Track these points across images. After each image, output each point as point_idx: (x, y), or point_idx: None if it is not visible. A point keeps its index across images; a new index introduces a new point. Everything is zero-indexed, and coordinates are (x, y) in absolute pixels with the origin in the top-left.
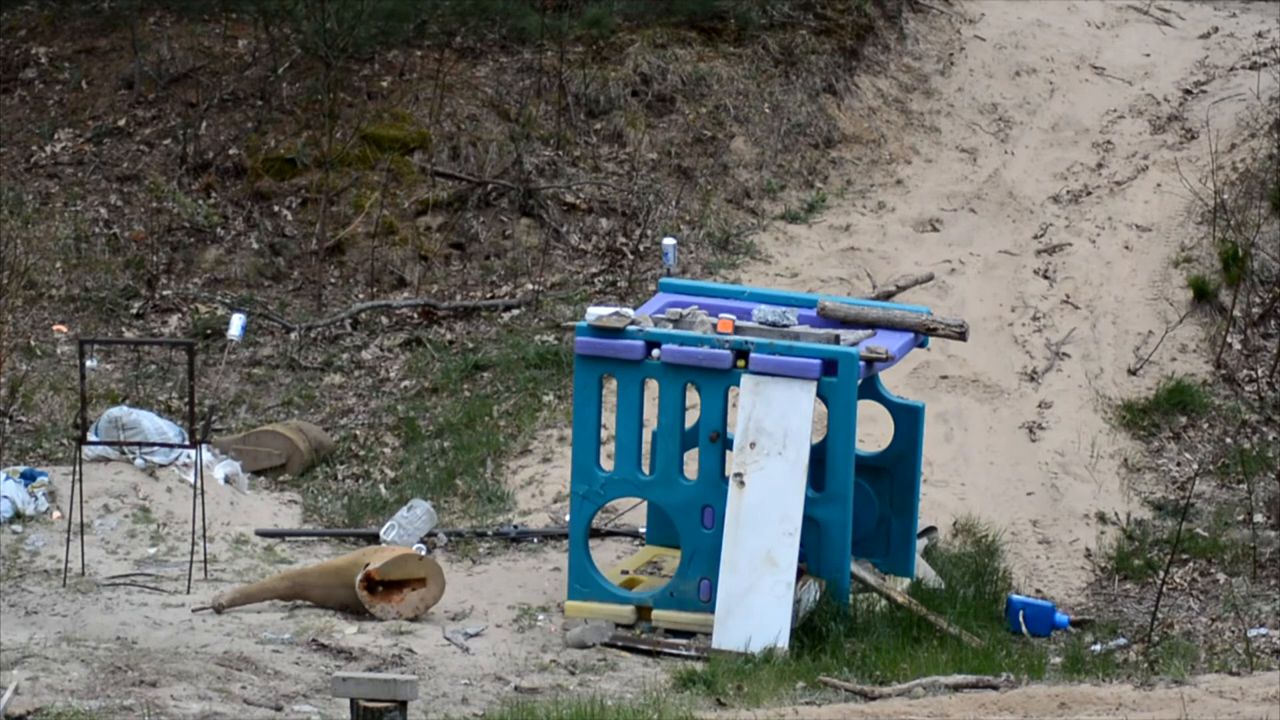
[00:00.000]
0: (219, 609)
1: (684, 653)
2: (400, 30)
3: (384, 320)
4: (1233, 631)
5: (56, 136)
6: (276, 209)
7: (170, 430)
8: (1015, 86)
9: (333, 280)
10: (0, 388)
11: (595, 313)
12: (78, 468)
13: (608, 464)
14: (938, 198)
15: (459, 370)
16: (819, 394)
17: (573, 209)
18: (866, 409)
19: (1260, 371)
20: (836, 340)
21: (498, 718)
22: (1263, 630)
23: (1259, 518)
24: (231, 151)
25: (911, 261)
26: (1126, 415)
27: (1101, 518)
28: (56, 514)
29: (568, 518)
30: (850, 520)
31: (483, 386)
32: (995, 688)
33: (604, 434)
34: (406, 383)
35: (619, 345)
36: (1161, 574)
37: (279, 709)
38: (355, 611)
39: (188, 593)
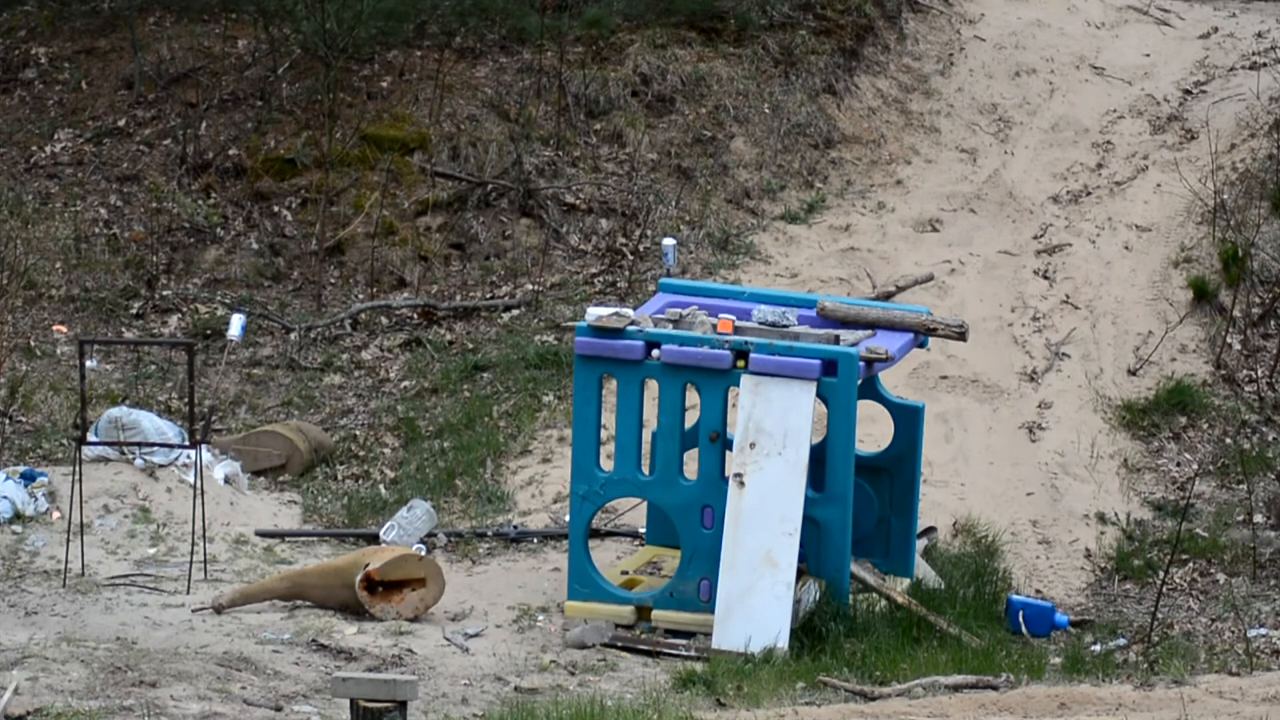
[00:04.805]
0: (219, 609)
1: (684, 653)
2: (400, 30)
3: (384, 320)
4: (1233, 631)
5: (56, 136)
6: (276, 209)
7: (170, 430)
8: (1015, 86)
9: (333, 280)
10: (0, 388)
11: (595, 313)
12: (78, 468)
13: (608, 464)
14: (938, 198)
15: (459, 370)
16: (819, 394)
17: (573, 209)
18: (866, 409)
19: (1260, 371)
20: (836, 340)
21: (498, 718)
22: (1263, 630)
23: (1259, 518)
24: (231, 151)
25: (911, 261)
26: (1126, 415)
27: (1101, 518)
28: (56, 514)
29: (568, 518)
30: (850, 520)
31: (483, 387)
32: (995, 688)
33: (604, 434)
34: (406, 383)
35: (619, 345)
36: (1161, 574)
37: (279, 709)
38: (355, 611)
39: (188, 593)
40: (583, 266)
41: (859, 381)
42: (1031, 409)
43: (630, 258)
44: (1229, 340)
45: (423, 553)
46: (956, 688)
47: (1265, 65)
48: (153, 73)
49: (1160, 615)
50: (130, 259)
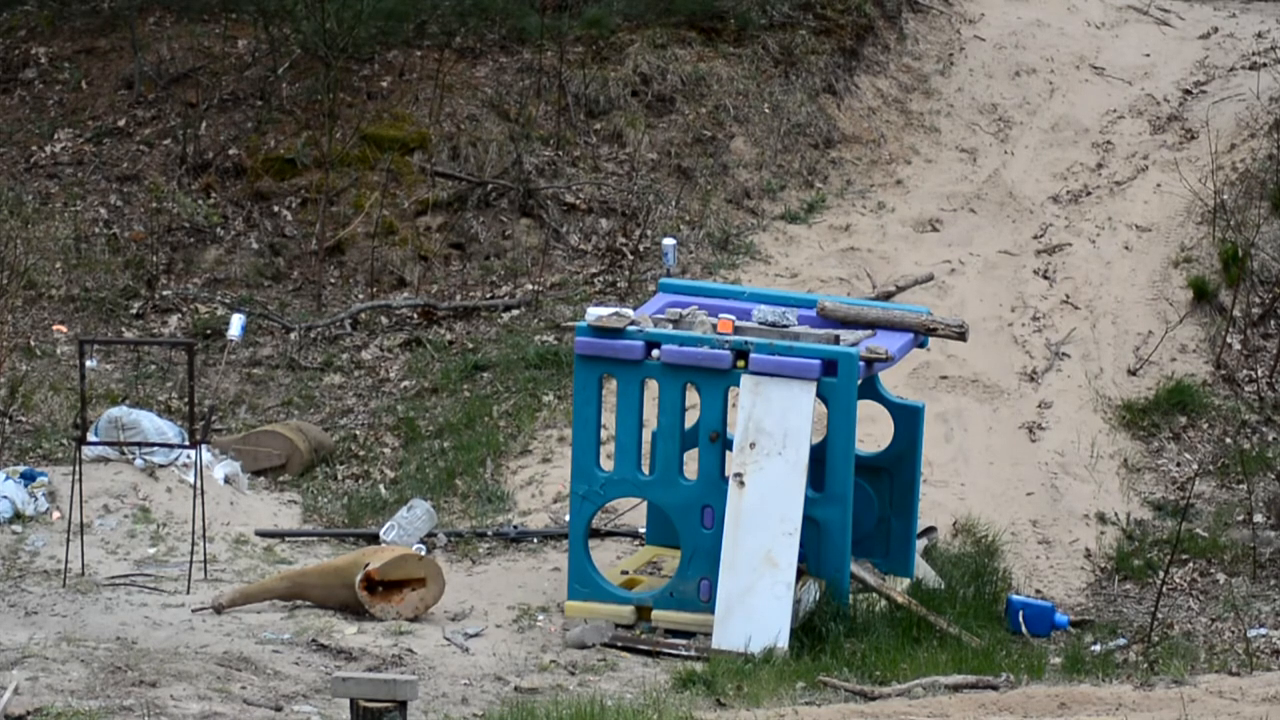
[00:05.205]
0: (219, 609)
1: (684, 653)
2: (400, 30)
3: (384, 320)
4: (1233, 631)
5: (56, 136)
6: (276, 209)
7: (170, 430)
8: (1015, 86)
9: (333, 280)
10: (0, 388)
11: (595, 313)
12: (78, 468)
13: (608, 464)
14: (938, 198)
15: (459, 370)
16: (819, 394)
17: (573, 209)
18: (866, 409)
19: (1260, 371)
20: (836, 340)
21: (498, 718)
22: (1263, 630)
23: (1259, 518)
24: (231, 151)
25: (911, 261)
26: (1126, 415)
27: (1101, 518)
28: (56, 514)
29: (568, 518)
30: (850, 520)
31: (483, 386)
32: (995, 688)
33: (604, 434)
34: (406, 383)
35: (619, 345)
36: (1161, 574)
37: (279, 709)
38: (355, 611)
39: (188, 593)
40: (583, 266)
41: (859, 381)
42: (1031, 409)
43: (630, 258)
44: (1229, 340)
45: (423, 553)
46: (956, 688)
47: (1265, 65)
48: (153, 73)
49: (1160, 615)
50: (130, 259)
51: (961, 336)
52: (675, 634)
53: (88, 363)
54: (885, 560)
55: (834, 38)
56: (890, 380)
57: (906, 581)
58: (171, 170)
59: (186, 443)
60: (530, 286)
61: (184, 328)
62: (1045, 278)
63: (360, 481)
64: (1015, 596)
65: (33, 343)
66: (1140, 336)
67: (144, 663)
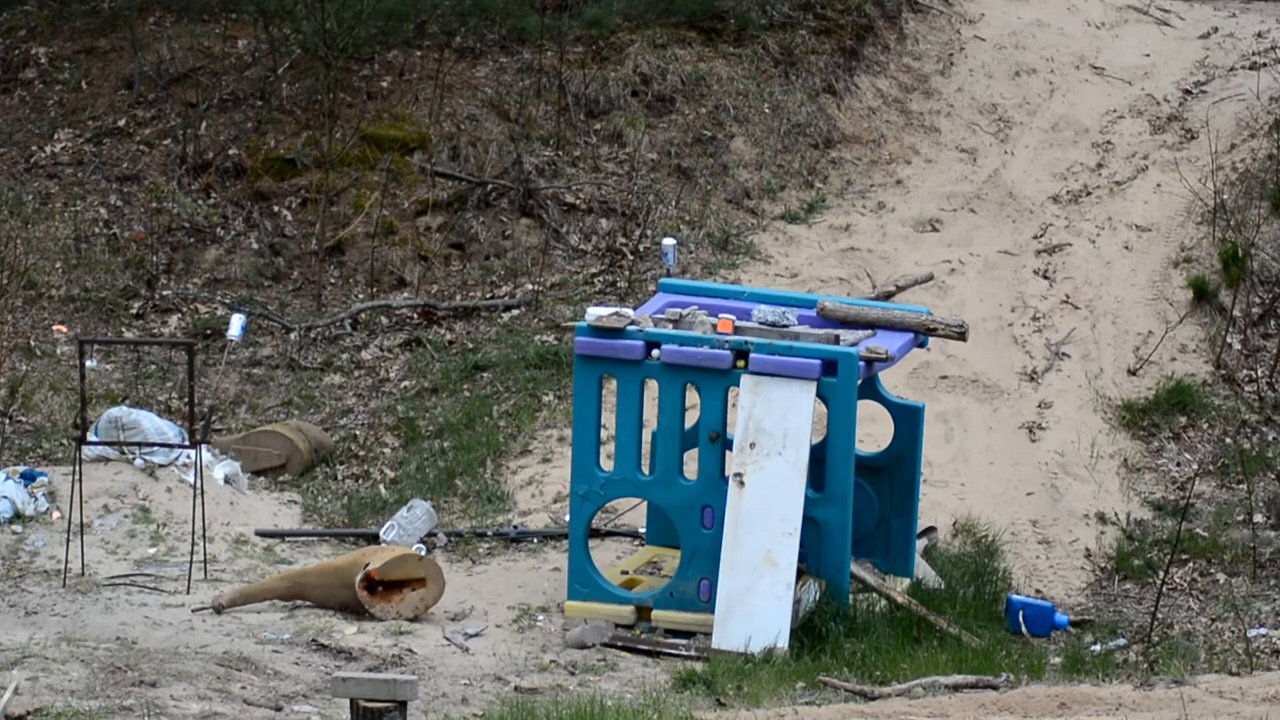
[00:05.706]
0: (219, 609)
1: (684, 653)
2: (400, 30)
3: (384, 320)
4: (1233, 631)
5: (56, 136)
6: (276, 209)
7: (170, 430)
8: (1015, 86)
9: (333, 280)
10: (0, 388)
11: (595, 313)
12: (78, 468)
13: (608, 464)
14: (938, 198)
15: (459, 370)
16: (819, 394)
17: (573, 209)
18: (866, 409)
19: (1260, 371)
20: (836, 340)
21: (498, 718)
22: (1263, 630)
23: (1259, 518)
24: (231, 151)
25: (911, 261)
26: (1126, 415)
27: (1101, 518)
28: (56, 514)
29: (568, 518)
30: (850, 520)
31: (483, 386)
32: (995, 688)
33: (604, 434)
34: (406, 383)
35: (619, 345)
36: (1161, 574)
37: (279, 709)
38: (355, 611)
39: (188, 593)
40: (583, 266)
41: (859, 381)
42: (1031, 409)
43: (630, 258)
44: (1229, 340)
45: (423, 553)
46: (956, 688)
47: (1265, 65)
48: (153, 73)
49: (1160, 615)
50: (130, 259)
51: (961, 336)
52: (675, 634)
53: (88, 363)
54: (885, 560)
55: (834, 38)
56: (890, 380)
57: (906, 581)
58: (171, 170)
59: (186, 443)
60: (530, 286)
61: (184, 328)
62: (1045, 278)
63: (360, 481)
64: (1015, 596)
65: (33, 343)
66: (1140, 336)
67: (144, 663)
